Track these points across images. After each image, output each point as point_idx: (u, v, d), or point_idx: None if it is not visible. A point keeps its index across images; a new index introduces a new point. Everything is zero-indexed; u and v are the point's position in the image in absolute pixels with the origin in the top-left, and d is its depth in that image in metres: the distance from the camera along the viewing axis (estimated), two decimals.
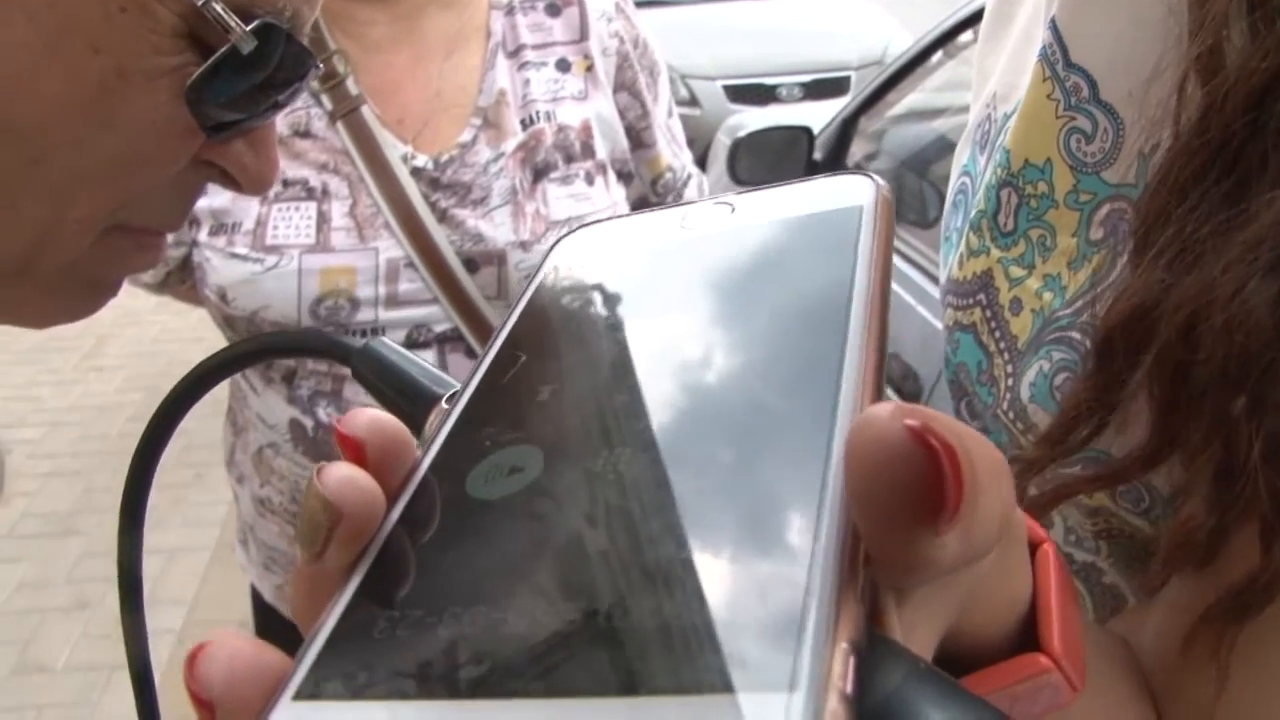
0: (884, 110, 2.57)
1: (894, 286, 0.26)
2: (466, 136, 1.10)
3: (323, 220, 1.06)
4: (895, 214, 0.28)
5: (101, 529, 3.27)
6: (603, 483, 0.23)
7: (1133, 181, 0.45)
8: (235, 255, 1.06)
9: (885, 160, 2.60)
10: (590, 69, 1.16)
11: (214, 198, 1.07)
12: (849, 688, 0.17)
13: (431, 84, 1.11)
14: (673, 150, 1.28)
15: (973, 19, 2.11)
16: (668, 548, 0.20)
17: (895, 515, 0.19)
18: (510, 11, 1.15)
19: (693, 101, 5.11)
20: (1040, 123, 0.49)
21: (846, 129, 2.55)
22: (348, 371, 1.14)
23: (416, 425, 0.38)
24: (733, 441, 0.22)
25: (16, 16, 0.38)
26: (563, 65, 1.15)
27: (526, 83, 1.13)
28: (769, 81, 5.46)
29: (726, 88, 5.36)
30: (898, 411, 0.19)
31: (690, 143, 1.37)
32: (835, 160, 2.55)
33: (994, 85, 0.59)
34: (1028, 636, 0.29)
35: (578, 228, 0.34)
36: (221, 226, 1.07)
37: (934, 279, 1.72)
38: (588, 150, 1.14)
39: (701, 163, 2.04)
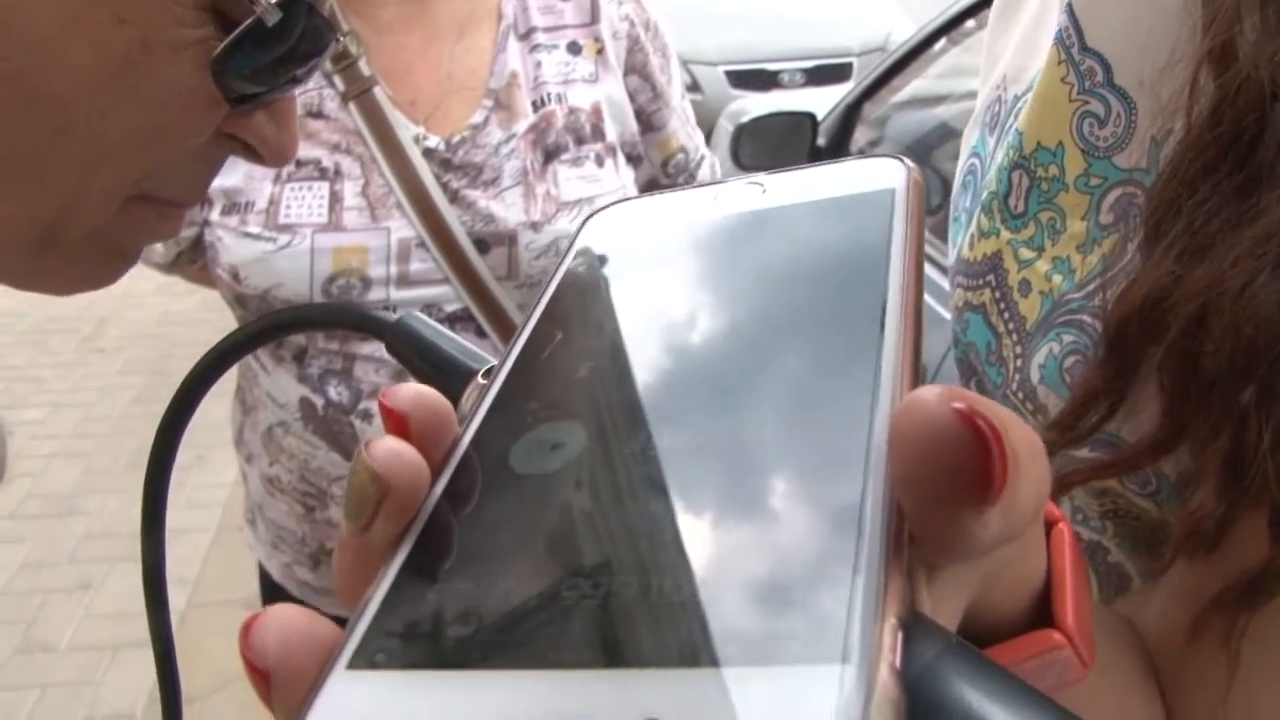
0: (887, 96, 2.57)
1: None
2: (478, 118, 1.10)
3: (335, 200, 1.07)
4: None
5: (104, 510, 3.28)
6: (645, 459, 0.23)
7: (1144, 167, 0.46)
8: (248, 234, 1.06)
9: (888, 147, 2.60)
10: (601, 52, 1.17)
11: (226, 177, 1.08)
12: (898, 660, 0.17)
13: (443, 65, 1.11)
14: (686, 131, 1.28)
15: (977, 6, 2.11)
16: (715, 524, 0.21)
17: (941, 495, 0.19)
18: None
19: (694, 87, 5.09)
20: (1054, 106, 0.50)
21: (850, 115, 2.55)
22: (358, 350, 1.14)
23: (452, 400, 0.38)
24: (775, 422, 0.23)
25: None
26: (573, 48, 1.15)
27: (538, 65, 1.14)
28: (771, 67, 5.44)
29: (728, 73, 5.35)
30: (945, 394, 0.19)
31: None
32: (839, 146, 2.55)
33: (1004, 67, 0.59)
34: (1041, 614, 0.29)
35: (608, 205, 0.34)
36: (234, 206, 1.08)
37: (937, 265, 1.73)
38: (598, 132, 1.15)
39: None
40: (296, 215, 1.06)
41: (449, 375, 0.41)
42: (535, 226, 1.09)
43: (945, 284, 0.64)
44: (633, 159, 1.22)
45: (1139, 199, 0.45)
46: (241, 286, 1.08)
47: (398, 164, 1.07)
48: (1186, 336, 0.39)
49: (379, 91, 1.08)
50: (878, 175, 0.28)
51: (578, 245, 0.32)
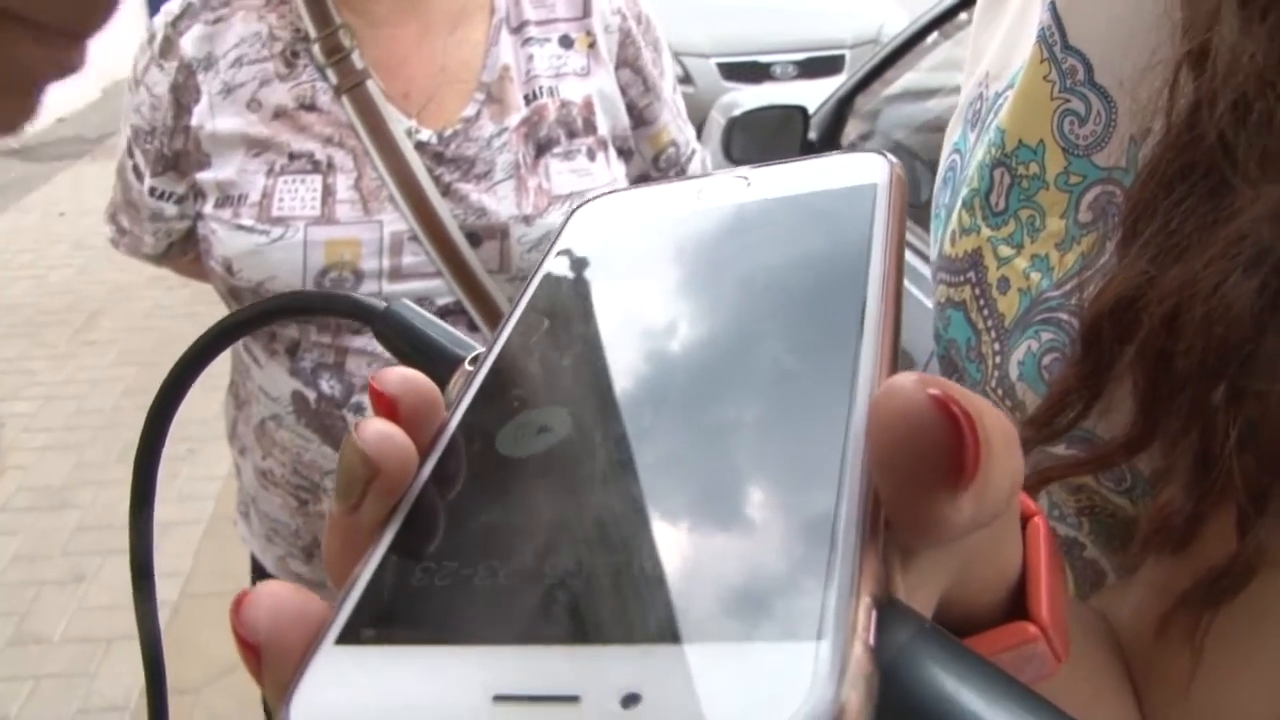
0: (880, 90, 2.57)
1: None
2: (470, 111, 1.11)
3: (328, 193, 1.07)
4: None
5: (96, 502, 3.27)
6: (629, 442, 0.24)
7: (1123, 166, 0.46)
8: (241, 227, 1.07)
9: (880, 140, 2.60)
10: (593, 46, 1.17)
11: (220, 170, 1.08)
12: (871, 638, 0.18)
13: (436, 59, 1.12)
14: (678, 125, 1.29)
15: (967, 0, 2.11)
16: (695, 505, 0.21)
17: (917, 478, 0.20)
18: None
19: (686, 79, 5.09)
20: (1036, 103, 0.50)
21: (842, 109, 2.55)
22: (351, 344, 1.15)
23: (440, 385, 0.39)
24: (755, 408, 0.23)
25: None
26: (565, 41, 1.16)
27: (530, 58, 1.14)
28: (763, 59, 5.45)
29: (720, 65, 5.35)
30: (921, 381, 0.20)
31: None
32: (830, 140, 2.55)
33: (987, 64, 0.59)
34: (1016, 607, 0.30)
35: (596, 196, 0.34)
36: (227, 199, 1.08)
37: (926, 258, 1.73)
38: (590, 126, 1.15)
39: None
40: (289, 208, 1.06)
41: (437, 362, 0.42)
42: (527, 220, 1.09)
43: None
44: (624, 153, 1.22)
45: (1118, 197, 0.46)
46: (235, 279, 1.08)
47: (390, 157, 1.07)
48: (1159, 336, 0.39)
49: (372, 85, 1.08)
50: (861, 170, 0.29)
51: (564, 236, 0.33)
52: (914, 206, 2.16)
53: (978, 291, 0.53)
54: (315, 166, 1.08)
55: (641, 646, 0.19)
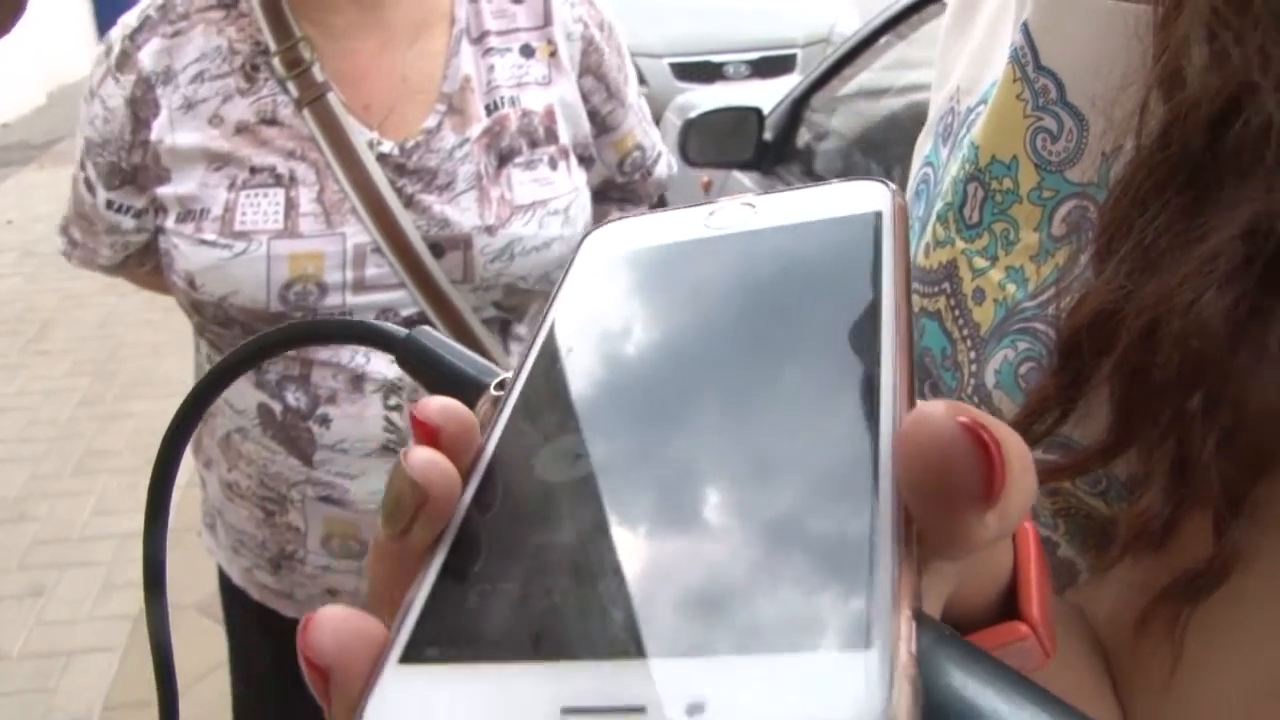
0: (836, 88, 2.59)
1: None
2: (431, 122, 1.11)
3: (290, 206, 1.07)
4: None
5: (53, 515, 3.23)
6: (661, 465, 0.25)
7: (1095, 181, 0.47)
8: (204, 241, 1.06)
9: (835, 140, 2.63)
10: (554, 55, 1.18)
11: (180, 185, 1.08)
12: (913, 646, 0.19)
13: (397, 70, 1.12)
14: (643, 129, 1.30)
15: (922, 1, 2.14)
16: (741, 524, 0.23)
17: (948, 500, 0.22)
18: None
19: (640, 79, 5.08)
20: (1009, 121, 0.51)
21: (797, 109, 2.57)
22: (316, 355, 1.14)
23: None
24: (784, 431, 0.24)
25: None
26: (526, 51, 1.16)
27: (491, 69, 1.14)
28: (716, 59, 5.46)
29: (673, 65, 5.36)
30: (950, 409, 0.22)
31: None
32: (785, 141, 2.57)
33: (957, 79, 0.60)
34: (1006, 607, 0.32)
35: (607, 222, 0.35)
36: (189, 213, 1.08)
37: None
38: (551, 135, 1.16)
39: None
40: (252, 222, 1.06)
41: (460, 388, 0.43)
42: (490, 230, 1.10)
43: None
44: (585, 160, 1.23)
45: (1090, 212, 0.47)
46: (198, 293, 1.08)
47: (352, 170, 1.07)
48: (1136, 349, 0.41)
49: (333, 97, 1.09)
50: (864, 198, 0.30)
51: (578, 262, 0.34)
52: None
53: (953, 302, 0.55)
54: (277, 180, 1.08)
55: (702, 658, 0.20)
